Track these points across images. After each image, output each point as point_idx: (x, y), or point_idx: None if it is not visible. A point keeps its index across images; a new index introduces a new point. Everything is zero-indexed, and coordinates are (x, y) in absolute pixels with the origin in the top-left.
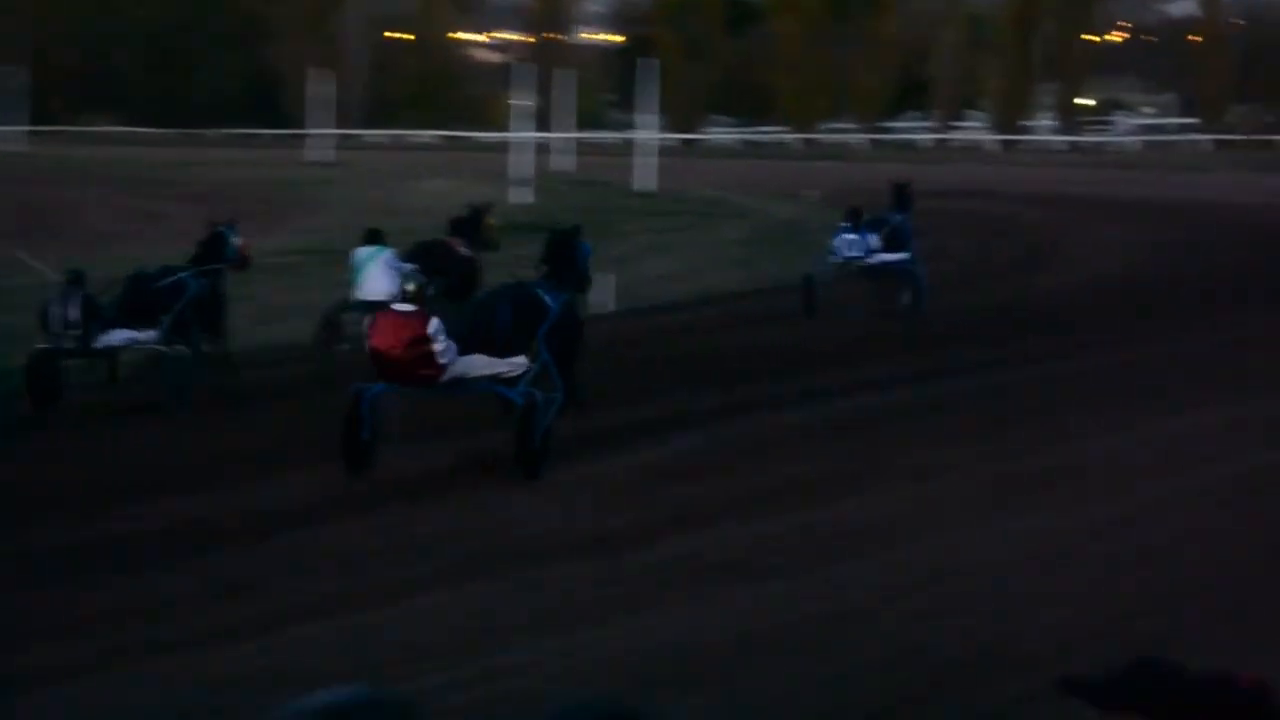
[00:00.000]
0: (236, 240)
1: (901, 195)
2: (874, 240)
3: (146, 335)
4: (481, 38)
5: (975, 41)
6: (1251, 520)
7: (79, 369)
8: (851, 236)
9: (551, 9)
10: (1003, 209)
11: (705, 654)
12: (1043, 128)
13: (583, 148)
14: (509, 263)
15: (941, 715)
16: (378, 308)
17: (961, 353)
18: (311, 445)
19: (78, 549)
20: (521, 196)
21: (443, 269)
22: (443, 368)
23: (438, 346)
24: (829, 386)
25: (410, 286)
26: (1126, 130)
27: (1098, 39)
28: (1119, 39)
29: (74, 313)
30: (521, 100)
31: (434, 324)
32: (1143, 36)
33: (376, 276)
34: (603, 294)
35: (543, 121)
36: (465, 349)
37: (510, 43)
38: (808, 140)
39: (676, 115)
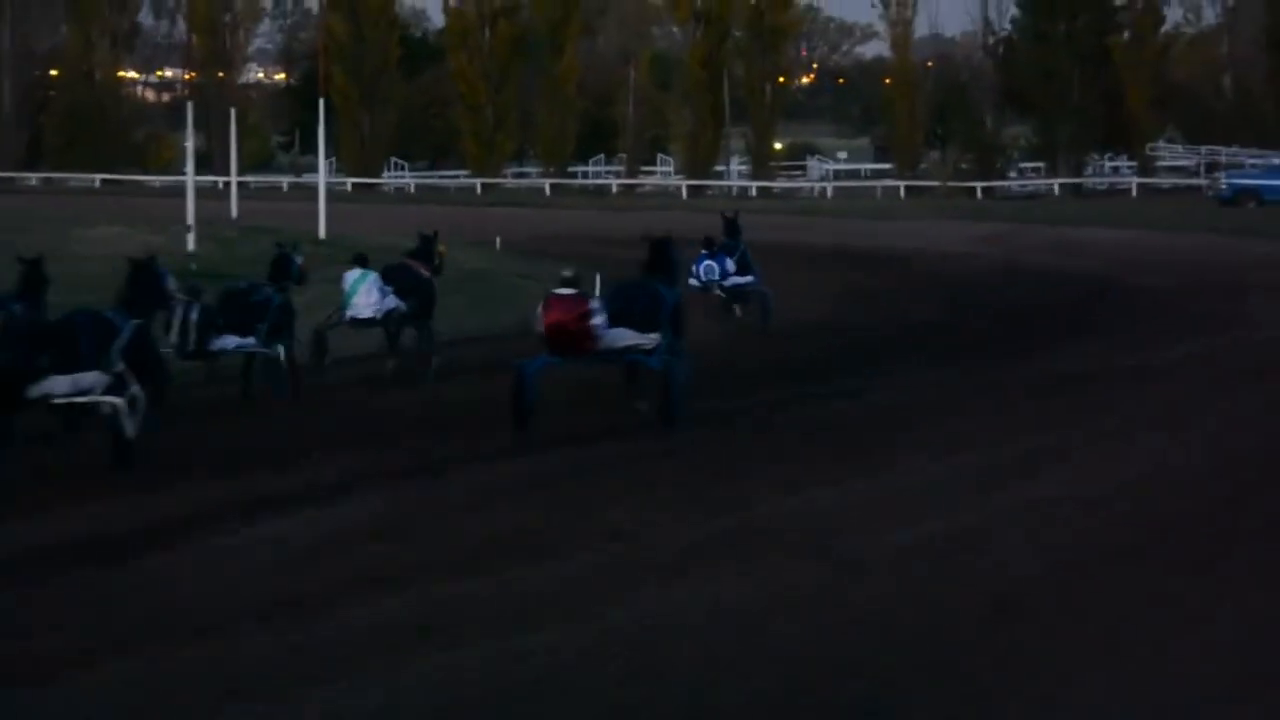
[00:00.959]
0: (299, 260)
1: (732, 226)
2: (729, 264)
3: (248, 341)
4: (142, 76)
5: (663, 83)
6: (962, 573)
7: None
8: (710, 262)
9: (216, 46)
10: (689, 255)
11: None
12: (734, 173)
13: (254, 192)
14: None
15: None
16: (366, 325)
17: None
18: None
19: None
20: (187, 243)
21: (410, 289)
22: (598, 339)
23: (596, 320)
24: (530, 440)
25: (568, 273)
26: (819, 176)
27: (786, 81)
28: (809, 81)
29: (193, 321)
30: (187, 141)
31: (594, 303)
32: (838, 81)
33: (366, 296)
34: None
35: (213, 164)
36: (612, 325)
37: (174, 81)
38: (486, 185)
39: (352, 158)
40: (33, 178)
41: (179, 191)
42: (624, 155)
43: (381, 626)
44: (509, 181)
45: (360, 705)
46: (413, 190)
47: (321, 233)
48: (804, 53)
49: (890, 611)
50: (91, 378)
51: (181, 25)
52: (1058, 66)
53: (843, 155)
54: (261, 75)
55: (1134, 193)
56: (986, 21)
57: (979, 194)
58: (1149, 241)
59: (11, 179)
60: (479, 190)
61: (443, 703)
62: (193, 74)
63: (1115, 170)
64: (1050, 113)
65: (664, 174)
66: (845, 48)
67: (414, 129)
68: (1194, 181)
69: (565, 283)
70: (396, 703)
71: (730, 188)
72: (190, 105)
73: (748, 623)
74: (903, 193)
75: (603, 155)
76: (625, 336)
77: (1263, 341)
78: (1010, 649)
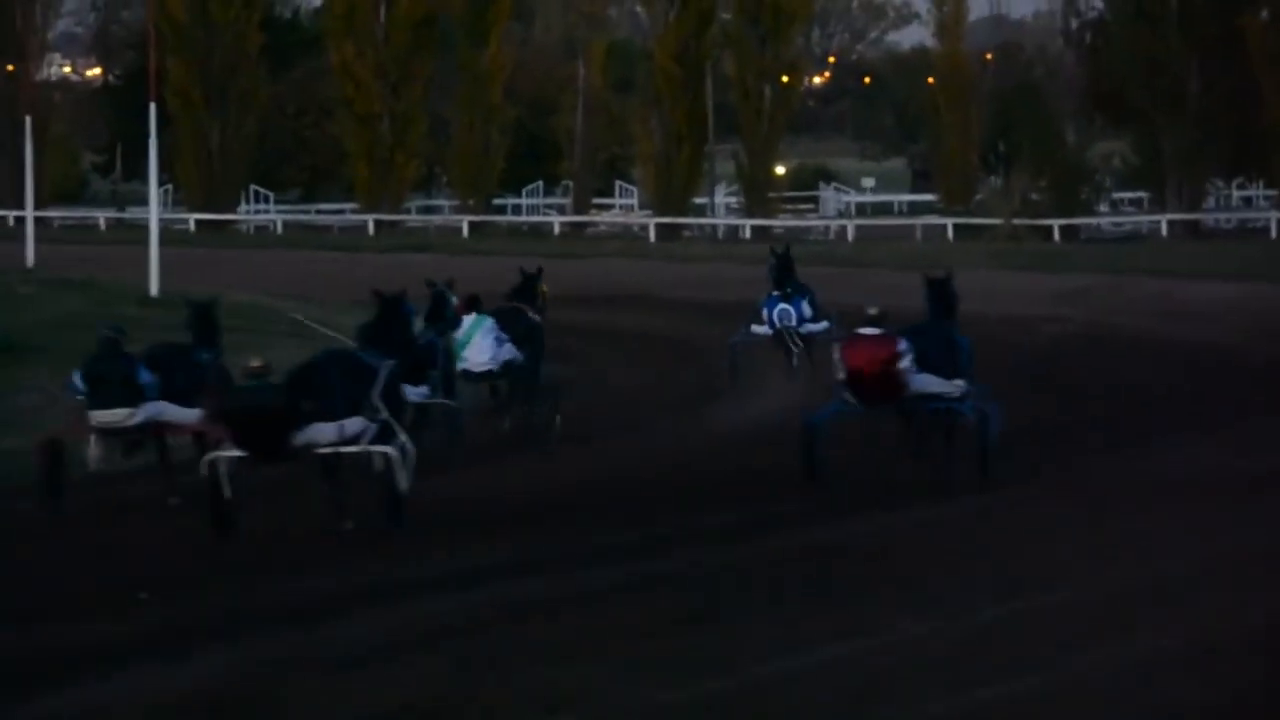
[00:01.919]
0: (454, 300)
1: (785, 263)
2: (806, 309)
3: (420, 390)
4: None
5: (622, 84)
6: None
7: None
8: (785, 306)
9: (1, 28)
10: (664, 324)
11: None
12: (719, 207)
13: (60, 232)
14: None
15: None
16: (481, 379)
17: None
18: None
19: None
20: None
21: (523, 336)
22: (907, 384)
23: (904, 364)
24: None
25: (874, 311)
26: (837, 211)
27: (793, 81)
28: (824, 81)
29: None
30: None
31: (902, 344)
32: (864, 80)
33: (481, 345)
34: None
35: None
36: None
37: None
38: (381, 223)
39: (196, 185)
40: None
41: None
42: (569, 183)
43: None
44: (412, 219)
45: None
46: (279, 229)
47: (153, 287)
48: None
49: None
50: (357, 424)
51: None
52: (1168, 58)
53: (869, 183)
54: (69, 70)
55: (1274, 232)
56: None
57: (1056, 235)
58: None
59: None
60: (371, 230)
61: None
62: None
63: (1247, 202)
64: (1157, 122)
65: (624, 208)
66: (874, 35)
67: (282, 146)
68: None
69: (871, 321)
70: None
71: (715, 228)
72: None
73: None
74: (951, 233)
75: (540, 183)
76: (931, 383)
77: None
78: None
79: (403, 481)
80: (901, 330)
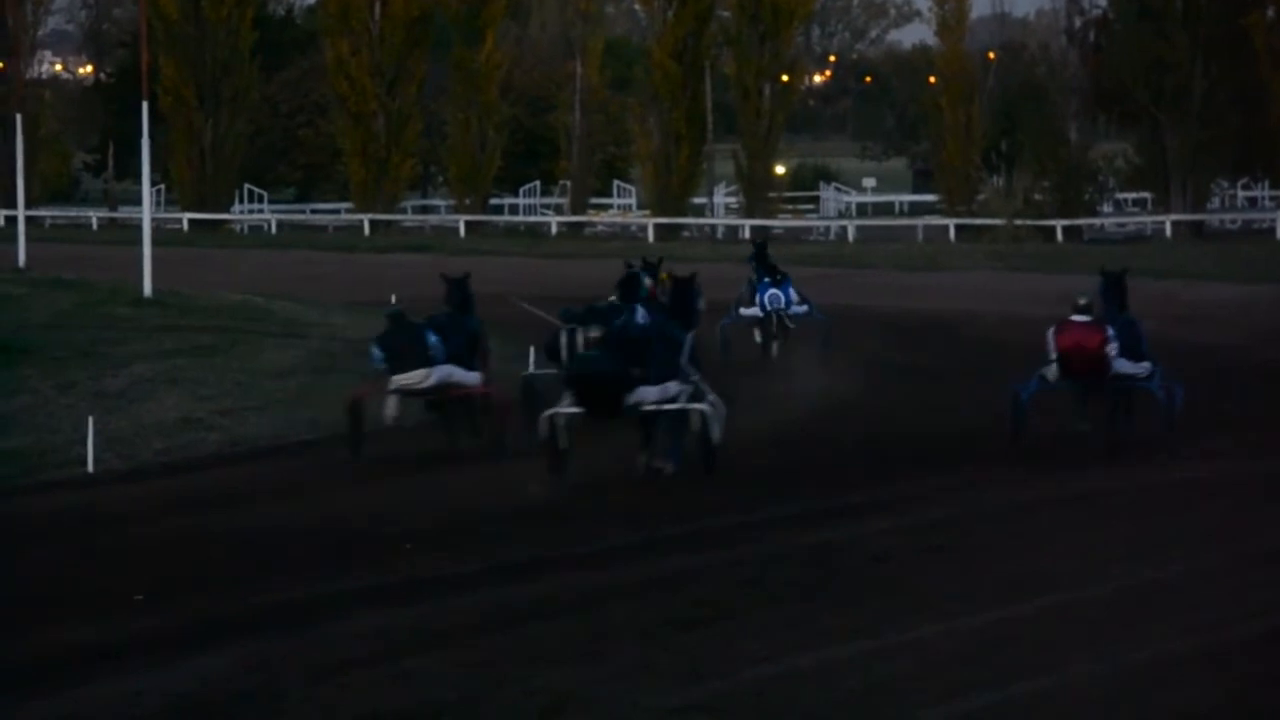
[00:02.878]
0: (649, 282)
1: (763, 253)
2: (792, 293)
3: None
4: None
5: (620, 83)
6: None
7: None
8: (775, 291)
9: None
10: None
11: None
12: (718, 207)
13: (50, 231)
14: None
15: None
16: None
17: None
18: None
19: None
20: None
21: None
22: (1110, 366)
23: (1111, 350)
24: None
25: (1084, 301)
26: (838, 211)
27: (793, 80)
28: (824, 80)
29: (579, 348)
30: None
31: (1110, 331)
32: (864, 80)
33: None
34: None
35: None
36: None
37: None
38: (377, 223)
39: (190, 185)
40: None
41: None
42: (567, 183)
43: None
44: (408, 219)
45: None
46: (273, 229)
47: (147, 288)
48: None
49: None
50: (674, 386)
51: None
52: (1172, 57)
53: (870, 184)
54: (60, 68)
55: None
56: None
57: (1059, 235)
58: None
59: None
60: (367, 230)
61: None
62: None
63: (1252, 202)
64: (1161, 121)
65: (622, 208)
66: (874, 33)
67: (275, 145)
68: None
69: (1080, 310)
70: None
71: (714, 228)
72: None
73: None
74: (953, 234)
75: (537, 182)
76: (1126, 365)
77: None
78: None
79: (716, 434)
80: (1120, 319)
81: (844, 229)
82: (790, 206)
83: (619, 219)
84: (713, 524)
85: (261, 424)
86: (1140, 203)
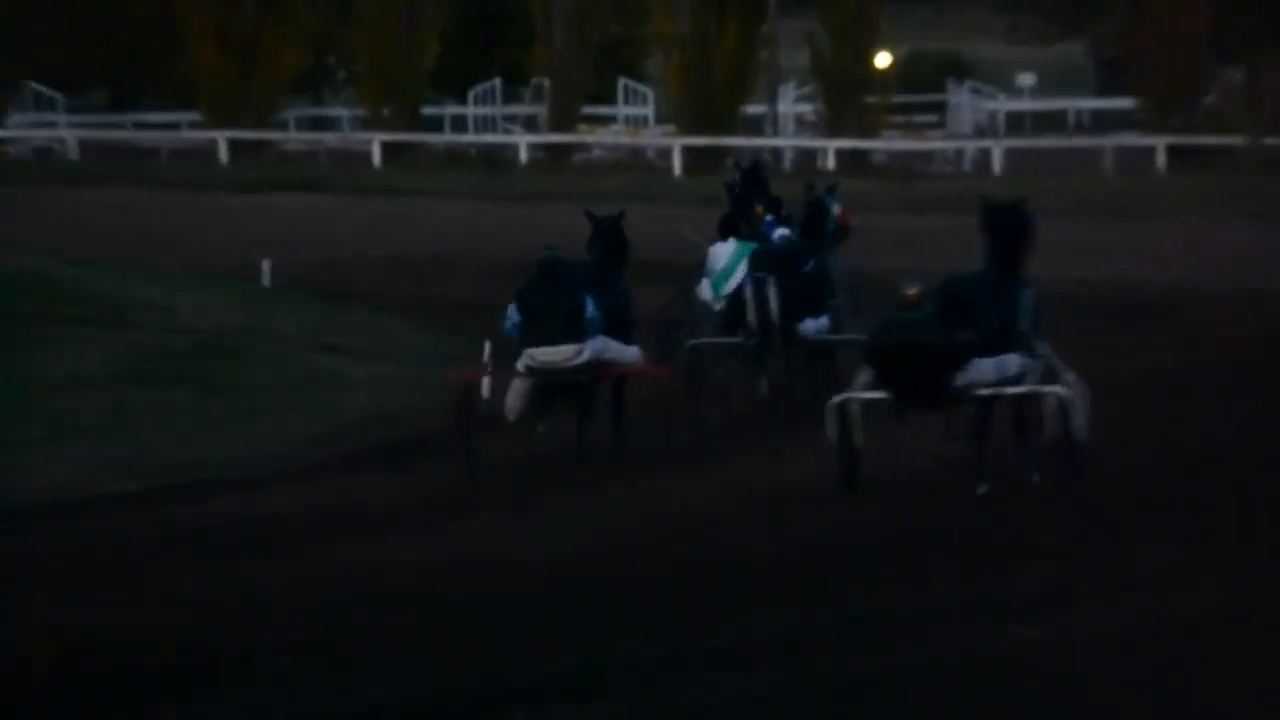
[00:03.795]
0: (836, 209)
1: (751, 178)
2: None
3: (820, 323)
4: None
5: None
6: None
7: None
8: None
9: None
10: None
11: None
12: (787, 118)
13: None
14: None
15: None
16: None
17: None
18: None
19: None
20: None
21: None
22: None
23: None
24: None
25: None
26: (976, 124)
27: None
28: None
29: (774, 304)
30: None
31: None
32: None
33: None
34: None
35: None
36: None
37: None
38: (240, 144)
39: None
40: None
41: None
42: (544, 82)
43: None
44: (292, 138)
45: None
46: (74, 152)
47: None
48: None
49: None
50: (1014, 361)
51: None
52: None
53: (1027, 81)
54: None
55: None
56: None
57: None
58: None
59: None
60: (224, 156)
61: None
62: None
63: None
64: None
65: (633, 122)
66: None
67: (79, 17)
68: None
69: None
70: None
71: (781, 150)
72: None
73: None
74: (1162, 161)
75: (498, 81)
76: None
77: None
78: None
79: (1080, 428)
80: None
81: (986, 153)
82: (900, 118)
83: (627, 139)
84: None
85: (49, 469)
86: None
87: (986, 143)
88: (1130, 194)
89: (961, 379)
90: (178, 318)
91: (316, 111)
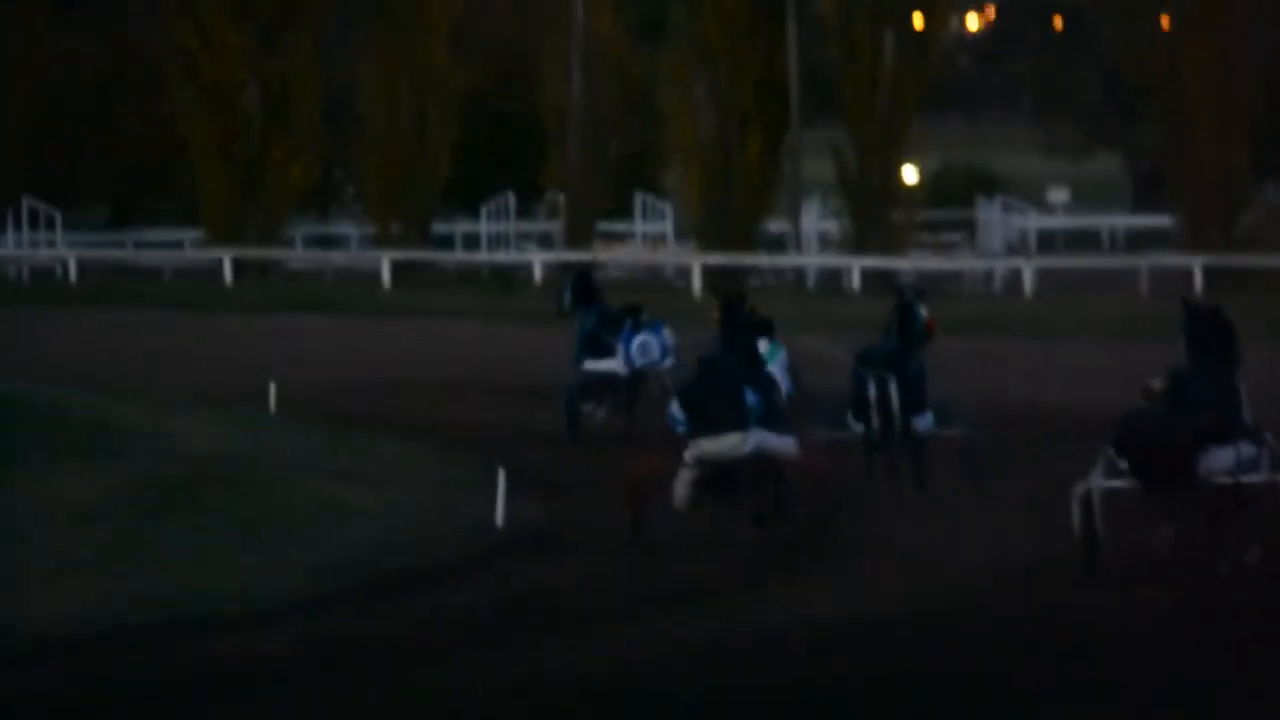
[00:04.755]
0: (924, 313)
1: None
2: (667, 339)
3: (927, 419)
4: None
5: (647, 31)
6: None
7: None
8: (645, 338)
9: None
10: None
11: None
12: (810, 234)
13: None
14: None
15: None
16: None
17: None
18: None
19: None
20: None
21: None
22: None
23: None
24: None
25: None
26: (1006, 242)
27: (933, 28)
28: (983, 25)
29: (895, 401)
30: None
31: None
32: (1054, 24)
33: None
34: None
35: None
36: None
37: None
38: (244, 263)
39: None
40: None
41: None
42: (559, 197)
43: None
44: (297, 257)
45: None
46: (71, 273)
47: None
48: None
49: None
50: (1249, 448)
51: None
52: None
53: (1061, 197)
54: None
55: None
56: None
57: None
58: None
59: None
60: (228, 276)
61: None
62: None
63: None
64: None
65: (651, 239)
66: None
67: (79, 135)
68: None
69: None
70: None
71: (802, 271)
72: None
73: None
74: (1199, 280)
75: (510, 197)
76: None
77: None
78: None
79: None
80: None
81: (1017, 273)
82: (928, 237)
83: (646, 256)
84: None
85: (47, 603)
86: None
87: (1018, 261)
88: (1164, 317)
89: (1204, 467)
90: (179, 444)
91: (323, 229)
